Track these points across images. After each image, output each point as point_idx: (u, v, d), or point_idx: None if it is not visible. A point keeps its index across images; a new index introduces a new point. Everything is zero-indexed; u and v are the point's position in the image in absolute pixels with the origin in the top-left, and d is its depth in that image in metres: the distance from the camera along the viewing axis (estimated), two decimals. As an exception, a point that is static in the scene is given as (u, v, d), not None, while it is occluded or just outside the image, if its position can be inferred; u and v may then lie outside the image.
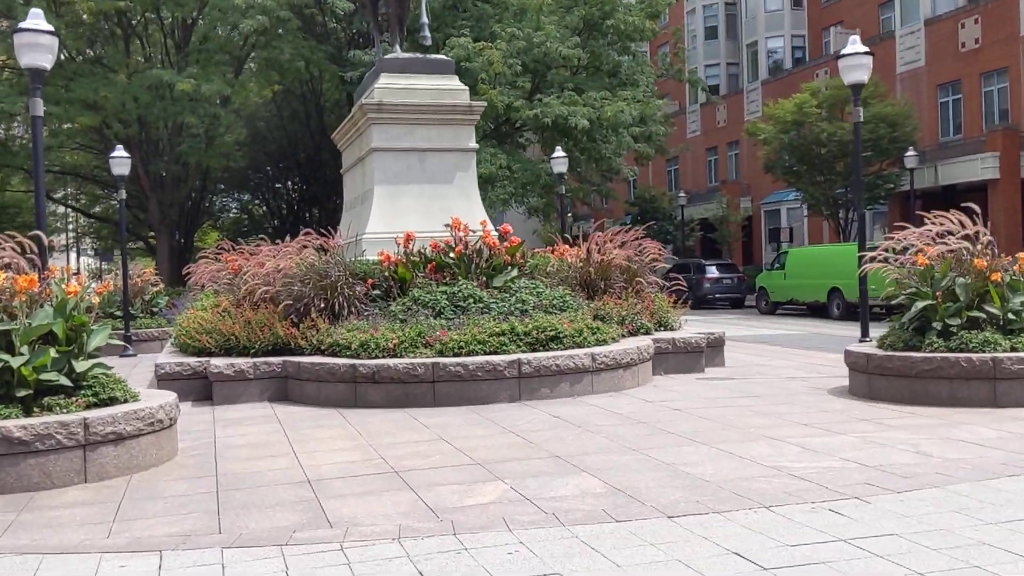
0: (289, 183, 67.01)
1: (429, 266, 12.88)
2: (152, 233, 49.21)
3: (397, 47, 15.93)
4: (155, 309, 21.76)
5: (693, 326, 15.79)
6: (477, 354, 10.98)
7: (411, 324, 11.58)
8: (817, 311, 28.97)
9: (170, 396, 8.46)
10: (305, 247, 13.14)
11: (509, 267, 13.11)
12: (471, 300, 12.10)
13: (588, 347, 11.55)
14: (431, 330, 11.38)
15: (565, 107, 30.23)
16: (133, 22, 36.98)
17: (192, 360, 12.03)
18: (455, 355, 10.95)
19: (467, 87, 15.27)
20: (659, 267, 14.35)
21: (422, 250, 13.18)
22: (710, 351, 13.65)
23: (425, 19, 15.61)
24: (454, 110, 14.98)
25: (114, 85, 32.88)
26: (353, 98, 36.50)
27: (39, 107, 10.73)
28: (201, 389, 11.96)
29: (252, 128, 54.27)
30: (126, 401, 8.11)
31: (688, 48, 44.64)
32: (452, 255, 12.91)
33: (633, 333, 13.08)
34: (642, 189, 48.41)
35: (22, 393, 7.53)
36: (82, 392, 7.91)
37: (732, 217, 43.04)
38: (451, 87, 15.18)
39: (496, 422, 9.43)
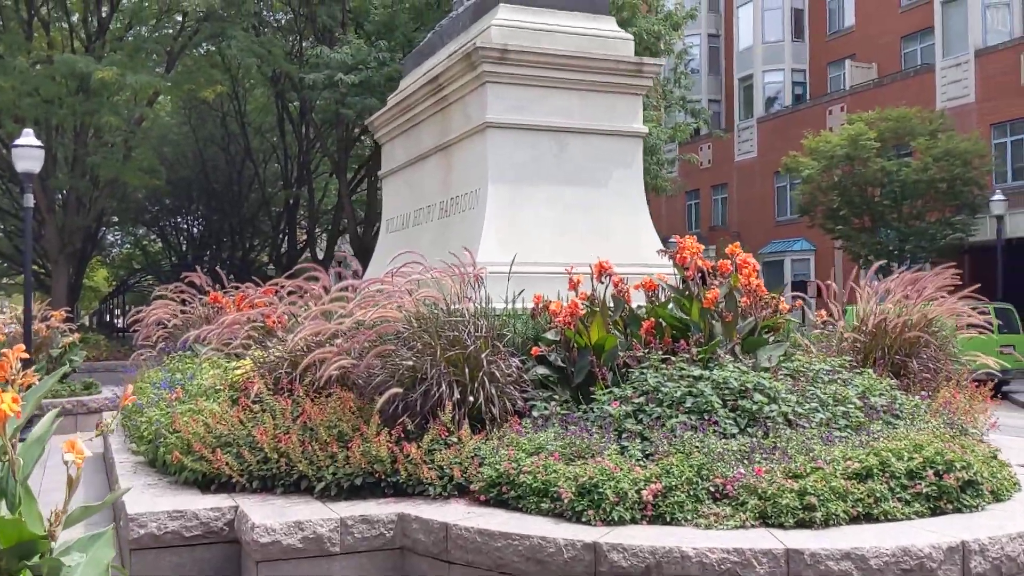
0: (191, 217, 60.24)
1: (646, 324, 7.01)
2: (40, 267, 41.81)
3: (503, -25, 10.10)
4: (67, 369, 15.07)
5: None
6: (839, 521, 5.17)
7: (671, 447, 5.70)
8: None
9: None
10: (405, 283, 7.08)
11: (766, 330, 7.37)
12: (761, 398, 6.26)
13: (1007, 498, 5.89)
14: (721, 463, 5.53)
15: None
16: (38, 2, 30.05)
17: (202, 507, 5.90)
18: (798, 522, 5.14)
19: (631, 35, 9.55)
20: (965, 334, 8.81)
21: (620, 295, 7.32)
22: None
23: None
24: (614, 68, 9.22)
25: (11, 72, 25.93)
26: (304, 109, 29.65)
27: None
28: (219, 567, 5.83)
29: (158, 153, 47.49)
30: None
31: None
32: (686, 305, 7.06)
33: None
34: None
35: None
36: None
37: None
38: (607, 32, 9.45)
39: None
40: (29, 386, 2.86)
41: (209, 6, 24.50)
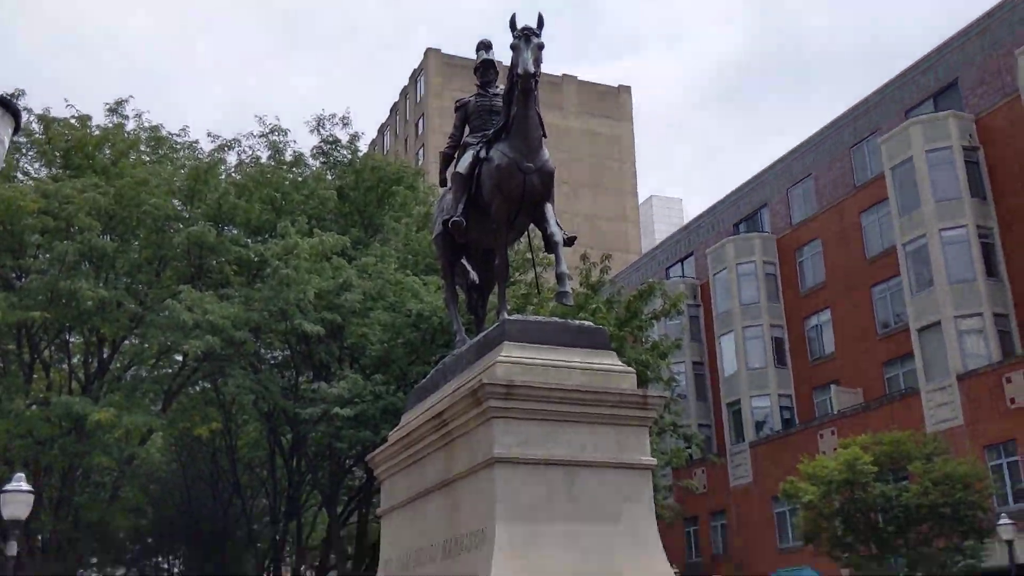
0: (172, 556, 58.46)
1: None
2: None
3: (504, 312, 10.42)
4: None
5: None
6: None
7: None
8: None
9: None
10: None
11: None
12: None
13: None
14: None
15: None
16: (41, 345, 30.78)
17: None
18: None
19: (633, 370, 9.69)
20: None
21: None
22: None
23: (564, 268, 10.22)
24: (620, 402, 9.25)
25: (6, 415, 26.03)
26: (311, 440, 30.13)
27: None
28: None
29: (145, 491, 46.92)
30: None
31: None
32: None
33: None
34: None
35: None
36: None
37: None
38: (611, 367, 9.57)
39: None
40: None
41: (210, 347, 25.11)
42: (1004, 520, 25.49)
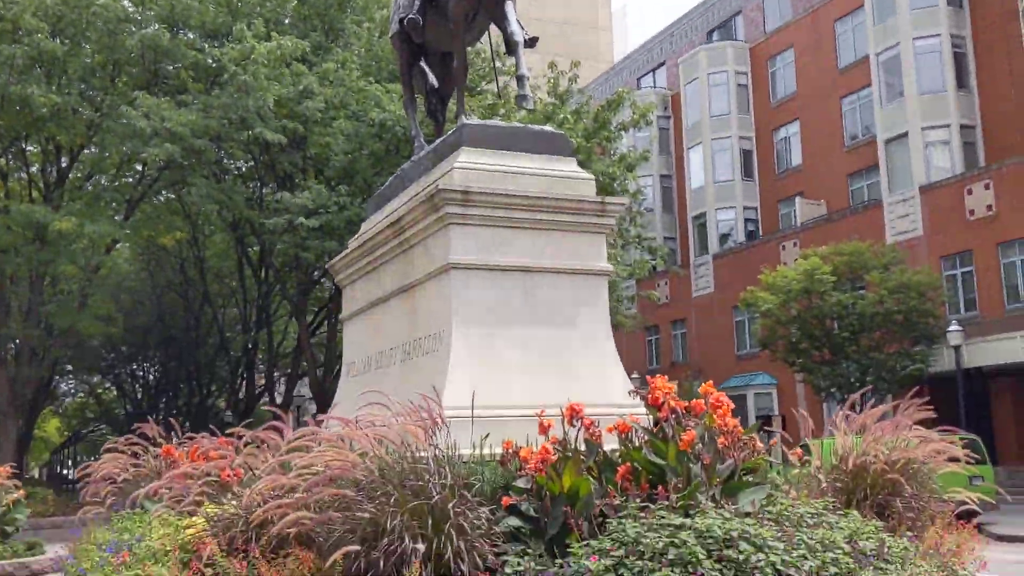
0: (147, 363, 59.34)
1: (621, 469, 6.75)
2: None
3: (463, 117, 10.18)
4: (10, 528, 14.35)
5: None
6: None
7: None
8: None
9: None
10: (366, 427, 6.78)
11: (744, 472, 7.13)
12: (747, 547, 5.95)
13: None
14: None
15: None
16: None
17: None
18: None
19: (592, 176, 9.61)
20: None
21: (592, 439, 7.07)
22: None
23: (524, 70, 9.93)
24: (579, 208, 9.21)
25: (-35, 224, 25.77)
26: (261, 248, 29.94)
27: None
28: None
29: (115, 300, 46.98)
30: None
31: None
32: (662, 449, 6.82)
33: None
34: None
35: None
36: None
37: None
38: (569, 173, 9.49)
39: None
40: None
41: (169, 155, 24.62)
42: (953, 327, 26.36)
